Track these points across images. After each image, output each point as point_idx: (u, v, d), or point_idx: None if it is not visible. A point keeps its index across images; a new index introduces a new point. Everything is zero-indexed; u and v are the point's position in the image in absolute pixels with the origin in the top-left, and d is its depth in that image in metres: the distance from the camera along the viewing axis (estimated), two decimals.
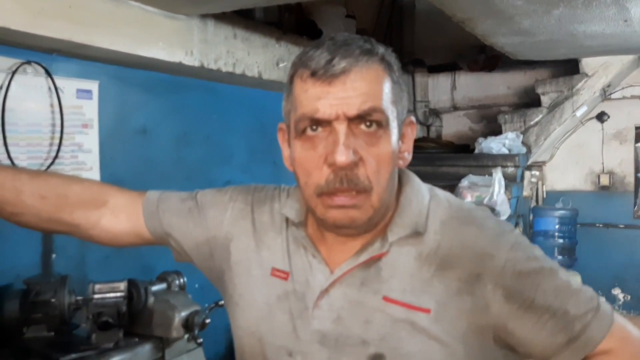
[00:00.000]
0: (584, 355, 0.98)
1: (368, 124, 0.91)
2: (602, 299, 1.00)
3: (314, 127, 0.92)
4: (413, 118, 1.03)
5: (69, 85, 2.15)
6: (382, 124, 0.92)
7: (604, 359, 0.98)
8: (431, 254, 0.97)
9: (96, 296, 1.74)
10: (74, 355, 1.67)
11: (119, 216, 1.20)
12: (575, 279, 1.00)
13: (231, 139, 2.97)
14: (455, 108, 5.10)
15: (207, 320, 1.92)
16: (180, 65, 2.40)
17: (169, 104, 2.60)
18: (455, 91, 5.03)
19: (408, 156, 1.02)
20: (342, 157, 0.88)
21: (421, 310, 0.94)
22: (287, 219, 1.08)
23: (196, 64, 2.44)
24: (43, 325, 1.75)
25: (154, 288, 1.98)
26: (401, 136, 0.98)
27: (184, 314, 1.90)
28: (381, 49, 0.95)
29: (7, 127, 1.92)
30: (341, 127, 0.90)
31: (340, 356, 0.96)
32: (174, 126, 2.64)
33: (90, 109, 2.23)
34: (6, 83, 1.94)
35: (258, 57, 2.81)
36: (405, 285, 0.96)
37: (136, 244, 1.26)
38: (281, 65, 3.01)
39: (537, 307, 0.95)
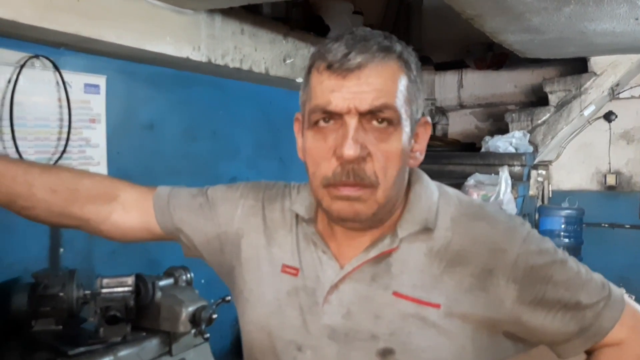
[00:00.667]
0: (595, 343, 0.99)
1: (379, 120, 0.91)
2: (613, 285, 1.01)
3: (326, 119, 0.93)
4: (428, 119, 1.02)
5: (76, 80, 2.15)
6: (393, 122, 0.92)
7: (615, 350, 1.00)
8: (442, 250, 0.97)
9: (104, 290, 1.75)
10: (82, 349, 1.67)
11: (130, 211, 1.20)
12: (584, 266, 1.01)
13: (238, 134, 2.97)
14: (461, 106, 5.08)
15: (214, 316, 1.92)
16: (187, 61, 2.40)
17: (176, 99, 2.60)
18: (462, 89, 5.02)
19: (420, 156, 1.01)
20: (350, 150, 0.89)
21: (431, 306, 0.94)
22: (297, 216, 1.08)
23: (203, 59, 2.43)
24: (51, 319, 1.76)
25: (161, 283, 1.98)
26: (414, 135, 0.98)
27: (191, 308, 1.90)
28: (399, 47, 0.94)
29: (15, 121, 1.92)
30: (352, 121, 0.90)
31: (350, 351, 0.96)
32: (181, 121, 2.63)
33: (98, 104, 2.23)
34: (14, 77, 1.94)
35: (265, 53, 2.80)
36: (415, 280, 0.96)
37: (146, 239, 1.25)
38: (288, 61, 3.00)
39: (549, 299, 0.95)
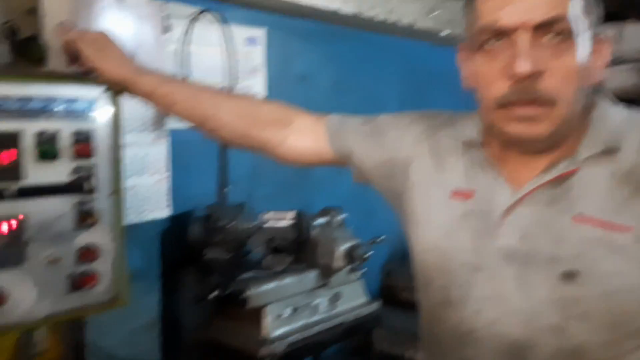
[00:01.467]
0: None
1: (553, 34, 0.87)
2: None
3: (496, 39, 0.90)
4: (607, 35, 0.96)
5: (239, 33, 2.28)
6: (568, 35, 0.88)
7: None
8: (628, 173, 0.91)
9: (268, 224, 1.88)
10: (249, 274, 1.82)
11: (304, 136, 1.28)
12: None
13: (382, 88, 2.99)
14: (619, 61, 4.69)
15: (368, 254, 1.99)
16: (335, 14, 2.45)
17: (326, 52, 2.68)
18: (622, 42, 4.62)
19: (600, 74, 0.96)
20: (522, 67, 0.86)
21: (620, 230, 0.89)
22: (466, 142, 1.08)
23: (353, 11, 2.48)
24: (221, 248, 1.90)
25: (317, 221, 2.08)
26: (592, 52, 0.93)
27: (345, 246, 1.98)
28: None
29: (188, 70, 2.09)
30: (524, 37, 0.87)
31: (529, 273, 0.94)
32: (330, 74, 2.71)
33: (258, 55, 2.36)
34: (187, 29, 2.11)
35: (411, 5, 2.79)
36: (599, 203, 0.91)
37: (316, 164, 1.34)
38: (433, 14, 2.96)
39: None
